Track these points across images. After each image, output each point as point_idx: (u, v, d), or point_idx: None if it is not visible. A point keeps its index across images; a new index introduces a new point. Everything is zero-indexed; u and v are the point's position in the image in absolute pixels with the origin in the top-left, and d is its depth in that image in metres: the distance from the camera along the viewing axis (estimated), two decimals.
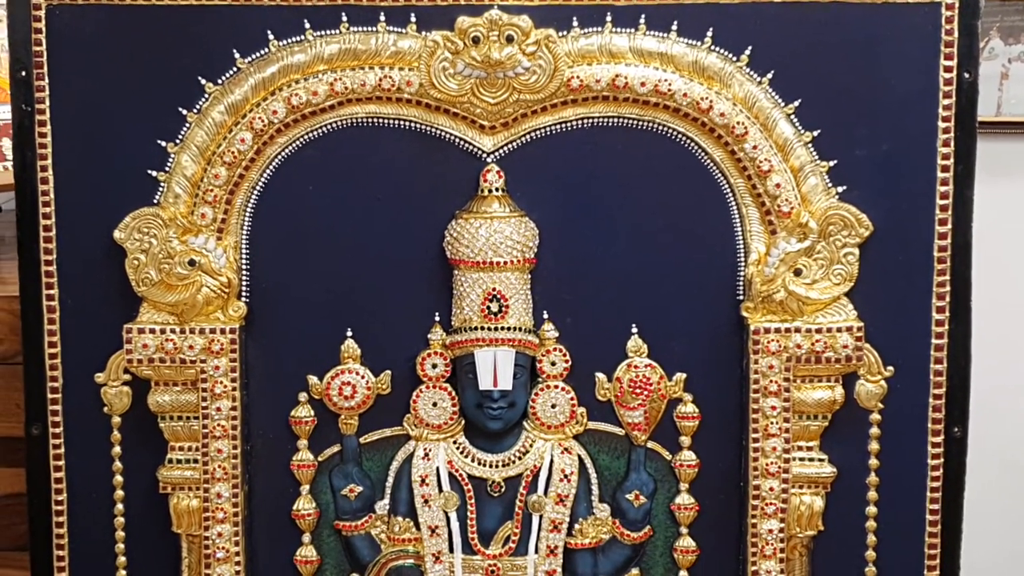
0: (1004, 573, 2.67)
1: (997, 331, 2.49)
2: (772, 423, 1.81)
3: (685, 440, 1.87)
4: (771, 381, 1.80)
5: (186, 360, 1.81)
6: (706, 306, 1.84)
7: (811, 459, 1.85)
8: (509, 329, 1.80)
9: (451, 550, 1.86)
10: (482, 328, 1.80)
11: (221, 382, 1.81)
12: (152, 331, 1.81)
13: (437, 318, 1.85)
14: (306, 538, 1.89)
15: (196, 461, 1.84)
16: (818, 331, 1.79)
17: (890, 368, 1.83)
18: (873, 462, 1.86)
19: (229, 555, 1.85)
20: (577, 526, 1.87)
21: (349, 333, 1.85)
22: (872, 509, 1.87)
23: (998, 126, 2.62)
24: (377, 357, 1.86)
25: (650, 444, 1.87)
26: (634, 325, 1.85)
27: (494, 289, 1.79)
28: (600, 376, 1.86)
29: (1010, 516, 2.66)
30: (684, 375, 1.85)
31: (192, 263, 1.79)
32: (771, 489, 1.82)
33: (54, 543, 1.88)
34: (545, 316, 1.85)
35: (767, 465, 1.82)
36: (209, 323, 1.81)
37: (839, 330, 1.79)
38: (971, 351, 1.84)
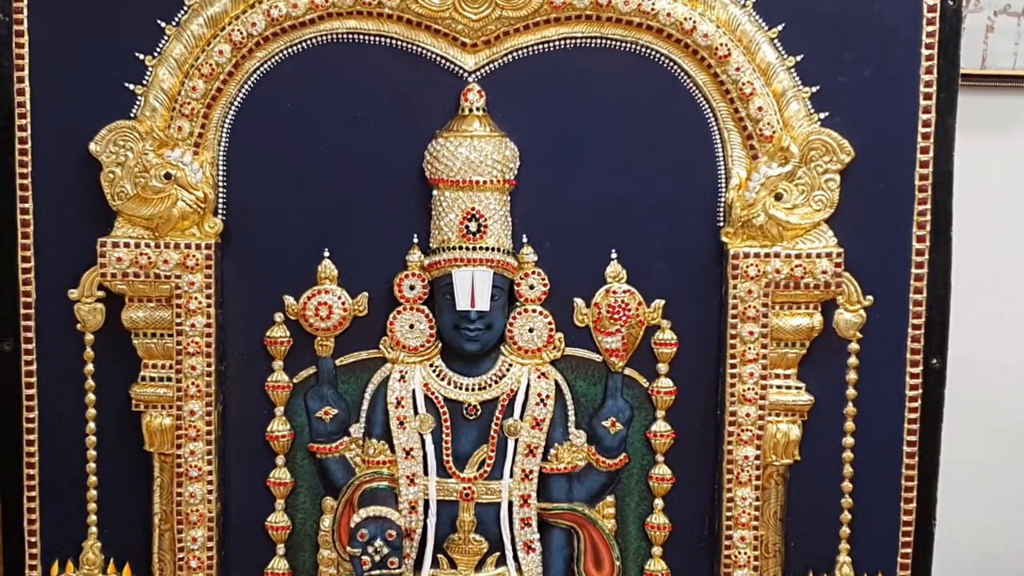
0: (981, 506, 2.67)
1: (982, 291, 2.51)
2: (750, 349, 1.80)
3: (662, 367, 1.86)
4: (749, 306, 1.79)
5: (160, 275, 1.79)
6: (686, 232, 1.83)
7: (788, 387, 1.84)
8: (487, 249, 1.79)
9: (426, 473, 1.85)
10: (460, 248, 1.79)
11: (196, 298, 1.79)
12: (127, 245, 1.79)
13: (416, 240, 1.84)
14: (280, 460, 1.88)
15: (170, 379, 1.83)
16: (797, 256, 1.79)
17: (869, 297, 1.83)
18: (851, 392, 1.85)
19: (202, 474, 1.83)
20: (553, 451, 1.86)
21: (326, 254, 1.84)
22: (849, 440, 1.86)
23: (983, 79, 2.61)
24: (354, 278, 1.85)
25: (627, 371, 1.86)
26: (613, 250, 1.84)
27: (473, 208, 1.78)
28: (578, 301, 1.85)
29: (989, 447, 2.66)
30: (663, 302, 1.84)
31: (168, 176, 1.77)
32: (747, 415, 1.81)
33: (24, 461, 1.86)
34: (524, 240, 1.84)
35: (744, 391, 1.81)
36: (184, 238, 1.79)
37: (819, 256, 1.78)
38: (951, 281, 1.83)
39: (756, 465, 1.82)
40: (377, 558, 1.78)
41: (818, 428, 1.86)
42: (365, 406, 1.87)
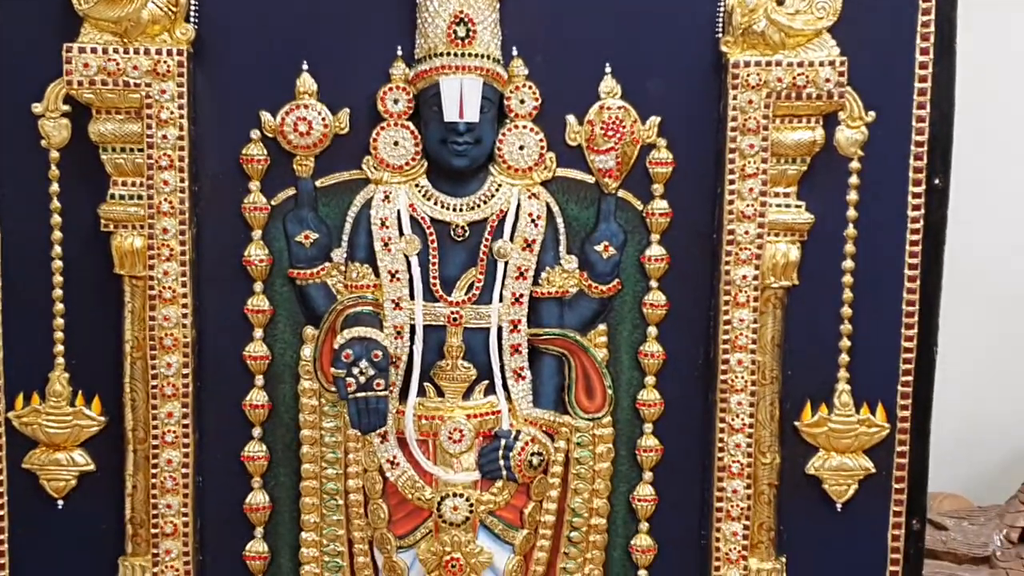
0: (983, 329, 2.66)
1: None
2: (749, 163, 1.73)
3: (658, 188, 1.78)
4: (750, 117, 1.72)
5: (130, 83, 1.69)
6: (684, 44, 1.75)
7: (788, 205, 1.77)
8: (476, 56, 1.70)
9: (412, 296, 1.77)
10: (448, 54, 1.70)
11: (167, 108, 1.70)
12: (94, 51, 1.69)
13: (400, 52, 1.74)
14: (258, 287, 1.79)
15: (140, 197, 1.73)
16: (799, 64, 1.71)
17: (871, 113, 1.76)
18: (851, 213, 1.79)
19: (176, 296, 1.74)
20: (544, 275, 1.79)
21: (305, 66, 1.74)
22: (849, 263, 1.80)
23: None
24: (335, 93, 1.76)
25: (621, 193, 1.79)
26: (607, 64, 1.76)
27: (461, 12, 1.69)
28: (570, 119, 1.77)
29: (993, 268, 2.64)
30: (659, 118, 1.77)
31: None
32: (746, 233, 1.75)
33: None
34: (514, 53, 1.75)
35: (743, 208, 1.74)
36: (155, 44, 1.69)
37: (821, 64, 1.71)
38: (955, 97, 1.77)
39: (754, 286, 1.76)
40: (362, 380, 1.70)
41: (817, 250, 1.80)
42: (347, 229, 1.78)
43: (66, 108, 1.73)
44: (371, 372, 1.70)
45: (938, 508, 2.63)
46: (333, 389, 1.76)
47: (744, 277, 1.76)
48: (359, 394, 1.71)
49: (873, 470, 1.84)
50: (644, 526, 1.86)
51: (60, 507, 1.82)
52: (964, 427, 2.78)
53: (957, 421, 2.72)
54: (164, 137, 1.70)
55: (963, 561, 2.47)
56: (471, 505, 1.78)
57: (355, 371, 1.70)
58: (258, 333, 1.80)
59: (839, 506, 1.84)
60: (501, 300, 1.78)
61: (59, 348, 1.79)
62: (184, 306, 1.75)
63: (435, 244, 1.77)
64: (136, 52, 1.69)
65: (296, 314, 1.81)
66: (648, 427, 1.84)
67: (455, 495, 1.78)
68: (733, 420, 1.78)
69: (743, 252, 1.75)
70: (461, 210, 1.77)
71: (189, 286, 1.75)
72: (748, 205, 1.74)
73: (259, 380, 1.81)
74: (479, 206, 1.77)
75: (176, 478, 1.77)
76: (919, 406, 1.83)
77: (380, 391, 1.71)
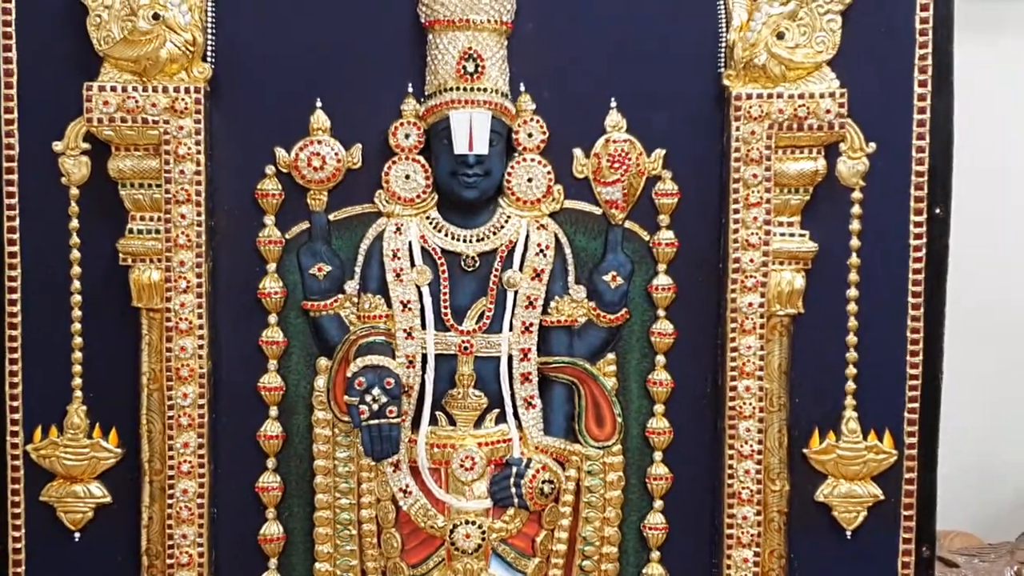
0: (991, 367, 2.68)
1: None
2: (753, 192, 1.77)
3: (664, 219, 1.82)
4: (753, 148, 1.76)
5: (148, 120, 1.74)
6: (687, 78, 1.80)
7: (792, 234, 1.81)
8: (485, 91, 1.75)
9: (423, 326, 1.80)
10: (457, 89, 1.75)
11: (185, 143, 1.74)
12: (113, 89, 1.73)
13: (411, 89, 1.79)
14: (272, 319, 1.83)
15: (158, 231, 1.77)
16: (800, 96, 1.76)
17: (872, 144, 1.80)
18: (855, 242, 1.82)
19: (192, 327, 1.77)
20: (553, 304, 1.82)
21: (319, 103, 1.79)
22: (853, 292, 1.83)
23: None
24: (347, 129, 1.80)
25: (627, 224, 1.82)
26: (613, 99, 1.80)
27: (470, 48, 1.74)
28: (577, 152, 1.81)
29: (1001, 308, 2.66)
30: (663, 151, 1.81)
31: (156, 17, 1.72)
32: (751, 261, 1.78)
33: (6, 322, 1.80)
34: (522, 89, 1.80)
35: (747, 237, 1.78)
36: (173, 83, 1.74)
37: (822, 95, 1.76)
38: (953, 128, 1.81)
39: (760, 313, 1.79)
40: (375, 407, 1.73)
41: (822, 279, 1.83)
42: (360, 261, 1.82)
43: (86, 146, 1.78)
44: (384, 400, 1.73)
45: (949, 546, 2.63)
46: (346, 419, 1.79)
47: (750, 304, 1.79)
48: (372, 421, 1.73)
49: (882, 497, 1.85)
50: (655, 555, 1.87)
51: (77, 539, 1.84)
52: (973, 466, 2.79)
53: (966, 460, 2.74)
54: (181, 172, 1.75)
55: None
56: (483, 533, 1.80)
57: (368, 399, 1.73)
58: (272, 365, 1.83)
59: (848, 533, 1.85)
60: (511, 329, 1.81)
61: (77, 381, 1.82)
62: (200, 337, 1.78)
63: (446, 274, 1.80)
64: (155, 90, 1.74)
65: (310, 345, 1.84)
66: (658, 455, 1.86)
67: (467, 523, 1.80)
68: (742, 447, 1.80)
69: (748, 280, 1.78)
70: (471, 241, 1.81)
71: (205, 318, 1.78)
72: (752, 233, 1.78)
73: (273, 411, 1.84)
74: (489, 237, 1.81)
75: (192, 508, 1.79)
76: (926, 432, 1.85)
77: (393, 418, 1.73)
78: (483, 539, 1.80)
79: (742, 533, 1.81)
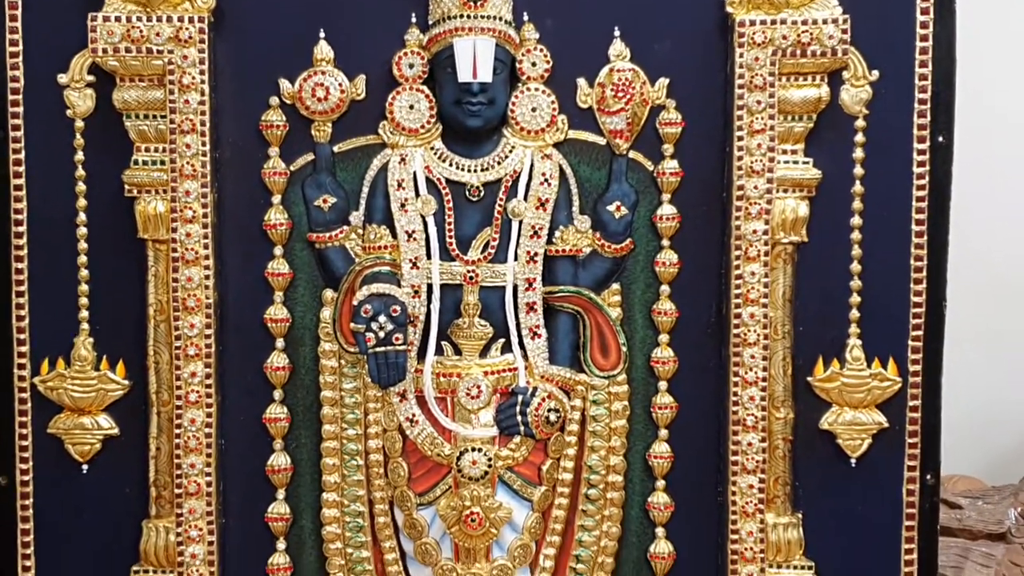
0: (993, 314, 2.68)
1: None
2: (757, 119, 1.77)
3: (668, 148, 1.82)
4: (756, 74, 1.76)
5: (153, 49, 1.74)
6: (691, 6, 1.80)
7: (796, 161, 1.81)
8: (489, 18, 1.75)
9: (429, 256, 1.80)
10: (461, 16, 1.75)
11: (189, 73, 1.74)
12: (118, 19, 1.74)
13: (413, 19, 1.79)
14: (277, 251, 1.83)
15: (163, 162, 1.78)
16: (804, 22, 1.76)
17: (875, 72, 1.80)
18: (858, 170, 1.83)
19: (198, 257, 1.77)
20: (558, 233, 1.82)
21: (322, 34, 1.79)
22: (857, 220, 1.83)
23: None
24: (351, 60, 1.80)
25: (632, 154, 1.83)
26: (616, 28, 1.80)
27: None
28: (581, 82, 1.81)
29: (1004, 259, 2.67)
30: (667, 80, 1.81)
31: None
32: (755, 188, 1.78)
33: (12, 255, 1.81)
34: (525, 18, 1.80)
35: (751, 164, 1.78)
36: (177, 12, 1.74)
37: (825, 21, 1.75)
38: (956, 56, 1.81)
39: (764, 240, 1.79)
40: (382, 334, 1.74)
41: (826, 207, 1.83)
42: (365, 192, 1.83)
43: (90, 78, 1.78)
44: (390, 327, 1.74)
45: (952, 489, 2.64)
46: (353, 350, 1.79)
47: (755, 232, 1.79)
48: (379, 349, 1.74)
49: (886, 425, 1.86)
50: (661, 483, 1.88)
51: (85, 471, 1.85)
52: (976, 412, 2.80)
53: (969, 406, 2.75)
54: (186, 102, 1.75)
55: (978, 537, 2.48)
56: (490, 460, 1.81)
57: (374, 326, 1.73)
58: (278, 297, 1.84)
59: (853, 461, 1.86)
60: (516, 259, 1.81)
61: (84, 314, 1.83)
62: (206, 268, 1.78)
63: (451, 204, 1.81)
64: (159, 20, 1.74)
65: (315, 277, 1.85)
66: (663, 385, 1.86)
67: (474, 450, 1.81)
68: (747, 374, 1.81)
69: (753, 207, 1.79)
70: (476, 171, 1.81)
71: (211, 248, 1.78)
72: (756, 160, 1.78)
73: (280, 343, 1.85)
74: (493, 167, 1.81)
75: (199, 438, 1.80)
76: (930, 360, 1.85)
77: (399, 345, 1.74)
78: (490, 466, 1.81)
79: (747, 460, 1.82)
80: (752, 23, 1.76)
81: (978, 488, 2.67)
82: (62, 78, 1.79)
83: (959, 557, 2.39)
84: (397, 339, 1.74)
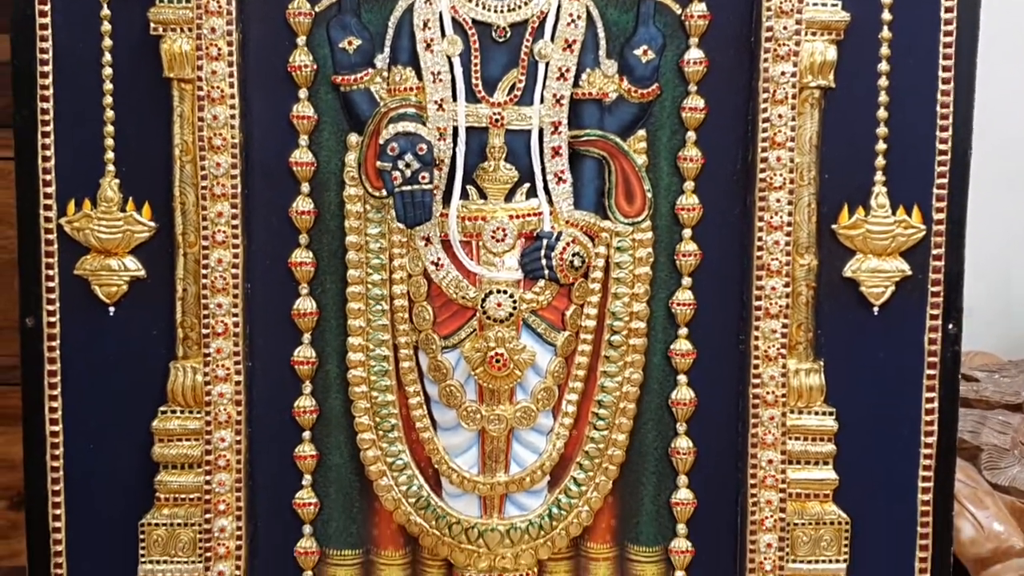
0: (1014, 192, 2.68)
1: None
2: None
3: None
4: None
5: None
6: None
7: (824, 3, 1.79)
8: None
9: (454, 99, 1.80)
10: None
11: None
12: None
13: None
14: (303, 93, 1.81)
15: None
16: None
17: None
18: (886, 15, 1.81)
19: (224, 96, 1.76)
20: (584, 76, 1.81)
21: None
22: (884, 66, 1.82)
23: None
24: None
25: None
26: None
27: None
28: None
29: None
30: None
31: None
32: (784, 28, 1.75)
33: (39, 94, 1.80)
34: None
35: (780, 4, 1.75)
36: None
37: None
38: None
39: (792, 83, 1.78)
40: (408, 173, 1.74)
41: (853, 52, 1.81)
42: (390, 34, 1.82)
43: None
44: (416, 165, 1.74)
45: (969, 363, 2.66)
46: (378, 193, 1.79)
47: (783, 73, 1.78)
48: (405, 187, 1.74)
49: (909, 272, 1.86)
50: (683, 331, 1.89)
51: (112, 313, 1.86)
52: (995, 287, 2.81)
53: (987, 282, 2.76)
54: None
55: (995, 407, 2.50)
56: (515, 302, 1.81)
57: (400, 164, 1.73)
58: (304, 140, 1.83)
59: (876, 309, 1.87)
60: (542, 101, 1.80)
61: (109, 155, 1.83)
62: (232, 107, 1.78)
63: (477, 45, 1.80)
64: None
65: (340, 121, 1.84)
66: (687, 232, 1.86)
67: (499, 292, 1.81)
68: (772, 218, 1.81)
69: (781, 48, 1.78)
70: (502, 11, 1.80)
71: (237, 88, 1.78)
72: (785, 0, 1.77)
73: (305, 187, 1.85)
74: (520, 7, 1.80)
75: (226, 278, 1.81)
76: (955, 208, 1.85)
77: (425, 184, 1.74)
78: (514, 308, 1.82)
79: (771, 304, 1.83)
80: None
81: (995, 363, 2.69)
82: None
83: (976, 423, 2.41)
84: (423, 178, 1.74)
